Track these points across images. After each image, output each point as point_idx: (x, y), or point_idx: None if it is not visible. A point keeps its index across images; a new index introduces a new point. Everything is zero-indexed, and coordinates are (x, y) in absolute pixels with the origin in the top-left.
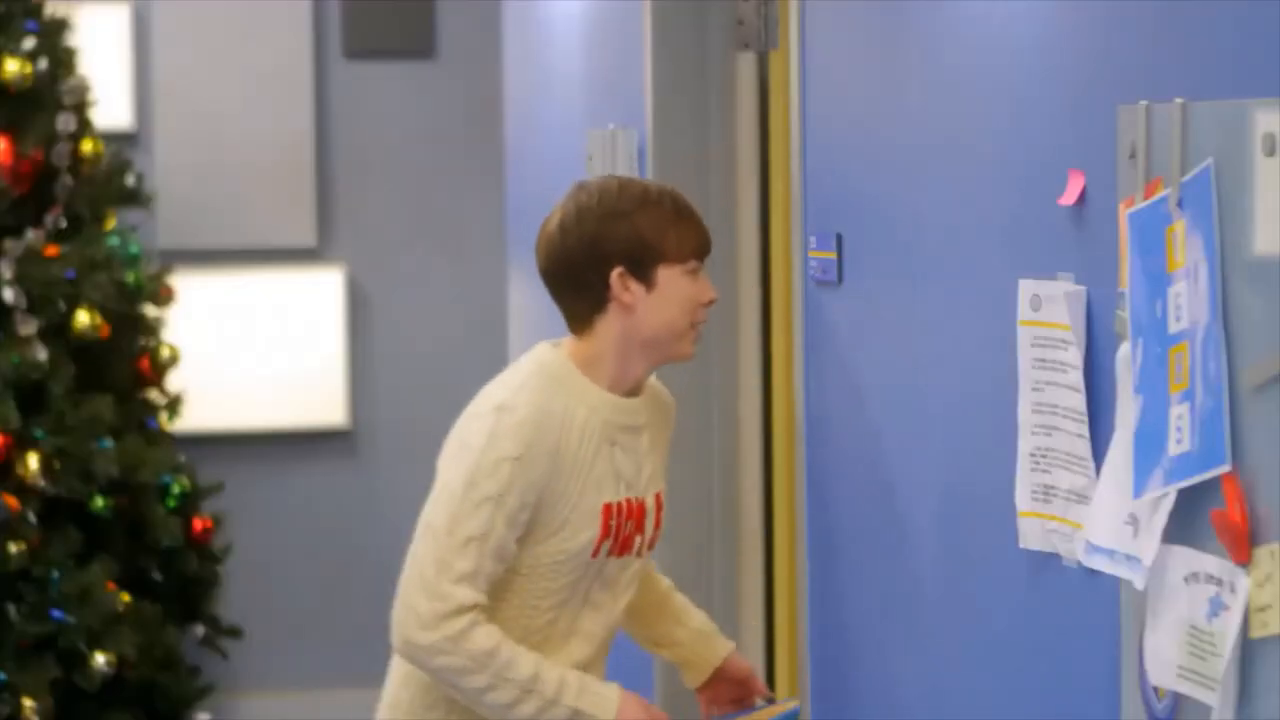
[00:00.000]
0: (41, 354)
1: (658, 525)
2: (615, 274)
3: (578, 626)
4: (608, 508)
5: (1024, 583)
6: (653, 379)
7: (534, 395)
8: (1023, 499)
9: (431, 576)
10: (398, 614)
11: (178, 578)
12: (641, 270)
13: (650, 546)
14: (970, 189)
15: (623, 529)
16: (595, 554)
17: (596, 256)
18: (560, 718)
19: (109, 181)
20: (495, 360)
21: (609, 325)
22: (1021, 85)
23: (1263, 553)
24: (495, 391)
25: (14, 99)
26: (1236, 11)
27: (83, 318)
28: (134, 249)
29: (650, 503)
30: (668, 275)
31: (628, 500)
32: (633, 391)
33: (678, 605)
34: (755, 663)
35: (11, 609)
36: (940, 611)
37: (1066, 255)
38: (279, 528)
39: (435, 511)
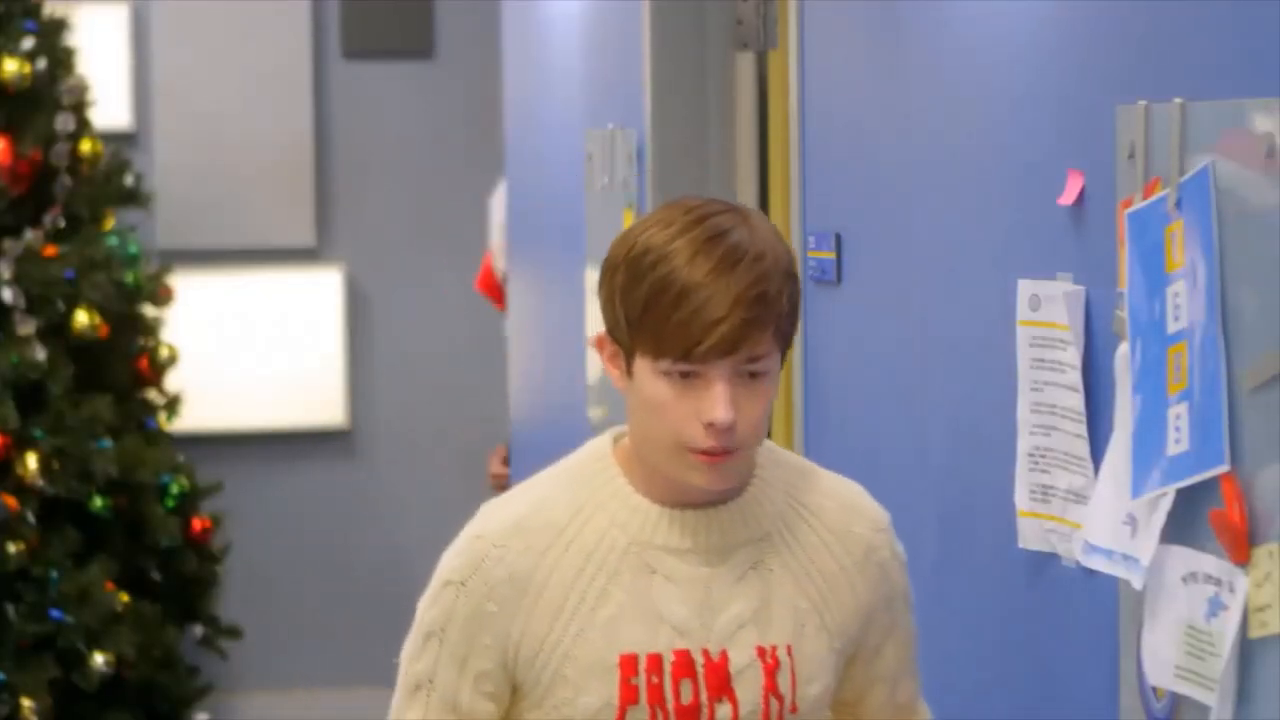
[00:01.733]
0: (40, 354)
1: (772, 690)
2: (594, 338)
3: None
4: (629, 661)
5: (1023, 583)
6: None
7: (531, 499)
8: (1021, 499)
9: None
10: None
11: (177, 578)
12: (621, 347)
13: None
14: (969, 189)
15: (669, 694)
16: None
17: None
18: None
19: (108, 181)
20: (494, 360)
21: None
22: (1020, 85)
23: (1261, 552)
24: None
25: (13, 99)
26: (1235, 11)
27: (81, 318)
28: (133, 249)
29: (742, 659)
30: (641, 368)
31: (681, 653)
32: (708, 500)
33: None
34: None
35: (10, 609)
36: (939, 610)
37: (1065, 255)
38: (278, 528)
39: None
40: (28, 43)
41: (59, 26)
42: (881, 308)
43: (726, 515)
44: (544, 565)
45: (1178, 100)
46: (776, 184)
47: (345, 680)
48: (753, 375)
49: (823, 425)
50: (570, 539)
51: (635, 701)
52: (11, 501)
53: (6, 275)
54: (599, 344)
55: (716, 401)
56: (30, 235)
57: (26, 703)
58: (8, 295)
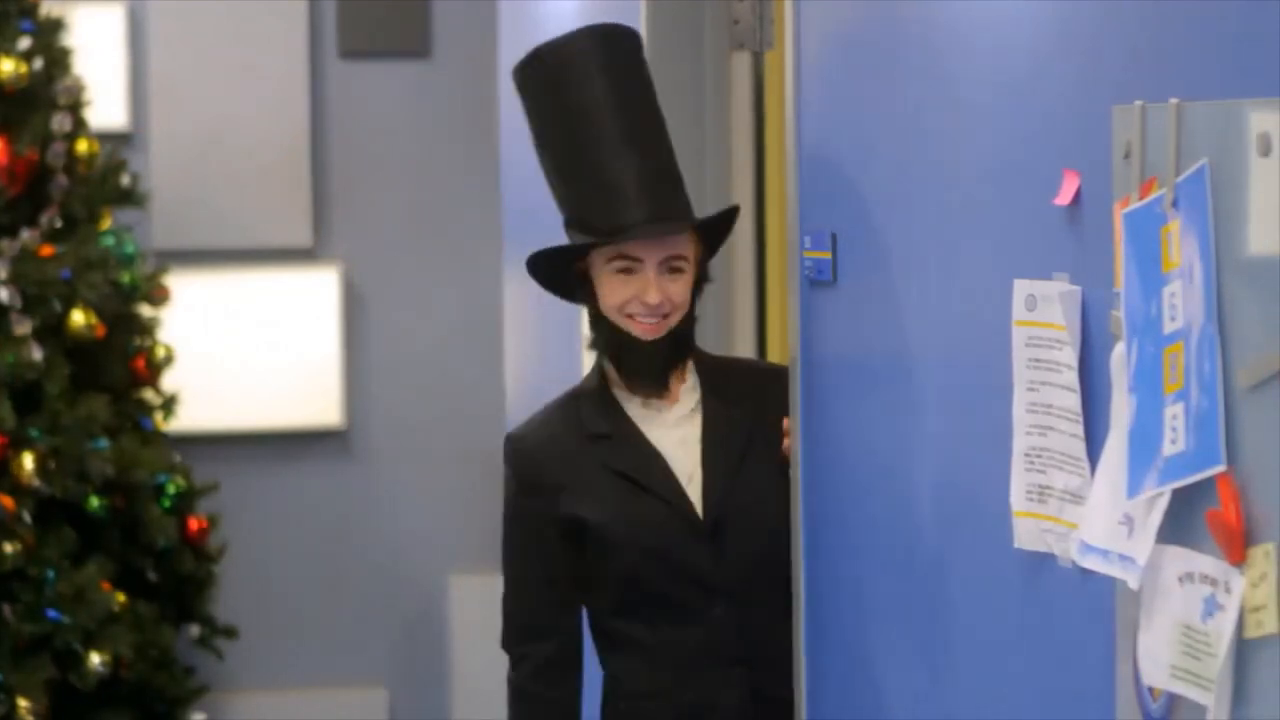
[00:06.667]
0: (37, 354)
1: None
2: None
3: None
4: None
5: (1019, 583)
6: None
7: None
8: (1018, 499)
9: None
10: None
11: (173, 577)
12: None
13: None
14: (965, 189)
15: None
16: None
17: None
18: None
19: (104, 181)
20: (491, 359)
21: None
22: (1017, 85)
23: (1258, 552)
24: None
25: (9, 99)
26: (1233, 11)
27: (78, 317)
28: (129, 249)
29: None
30: None
31: None
32: None
33: None
34: None
35: (7, 609)
36: (935, 610)
37: (1062, 255)
38: (274, 527)
39: None
40: (24, 43)
41: (55, 26)
42: (878, 307)
43: None
44: None
45: (1174, 100)
46: (773, 184)
47: (340, 680)
48: None
49: (817, 425)
50: None
51: None
52: (8, 501)
53: (3, 275)
54: None
55: None
56: (27, 235)
57: (23, 703)
58: (4, 295)
